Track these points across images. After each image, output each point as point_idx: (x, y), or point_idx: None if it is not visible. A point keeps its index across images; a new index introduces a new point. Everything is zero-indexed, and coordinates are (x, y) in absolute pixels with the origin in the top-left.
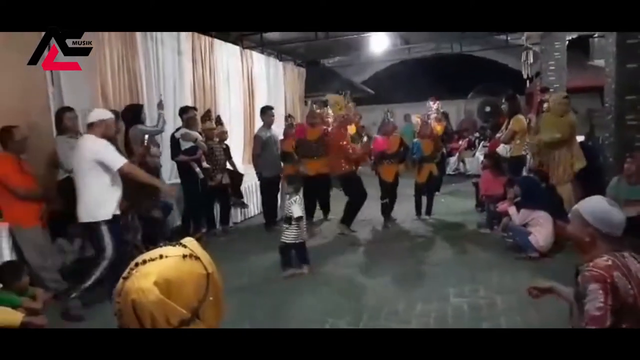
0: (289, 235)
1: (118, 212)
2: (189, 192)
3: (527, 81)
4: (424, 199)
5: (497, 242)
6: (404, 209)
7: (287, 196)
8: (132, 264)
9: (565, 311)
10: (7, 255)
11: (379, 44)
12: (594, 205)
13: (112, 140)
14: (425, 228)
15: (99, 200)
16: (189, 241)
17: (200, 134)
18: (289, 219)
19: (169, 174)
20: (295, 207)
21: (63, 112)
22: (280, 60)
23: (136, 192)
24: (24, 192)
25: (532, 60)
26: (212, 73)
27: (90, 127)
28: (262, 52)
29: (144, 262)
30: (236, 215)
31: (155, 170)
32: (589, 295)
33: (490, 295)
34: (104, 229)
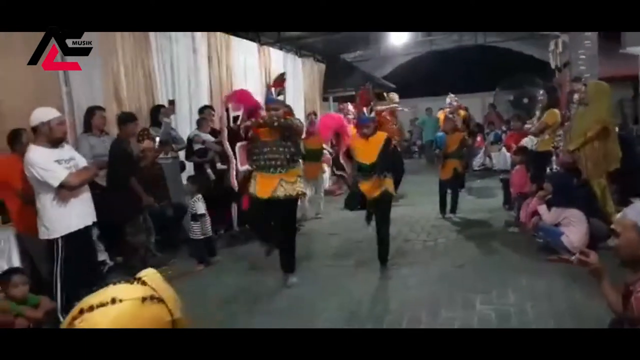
0: (195, 231)
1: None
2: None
3: (556, 71)
4: (449, 197)
5: (527, 243)
6: (428, 207)
7: (190, 195)
8: (76, 310)
9: (605, 322)
10: (17, 261)
11: (400, 36)
12: None
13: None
14: (449, 227)
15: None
16: (151, 275)
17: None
18: (194, 216)
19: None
20: (199, 204)
21: (94, 110)
22: (299, 56)
23: (149, 192)
24: (28, 197)
25: (561, 50)
26: (229, 71)
27: (34, 132)
28: (280, 49)
29: (91, 308)
30: None
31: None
32: None
33: (521, 302)
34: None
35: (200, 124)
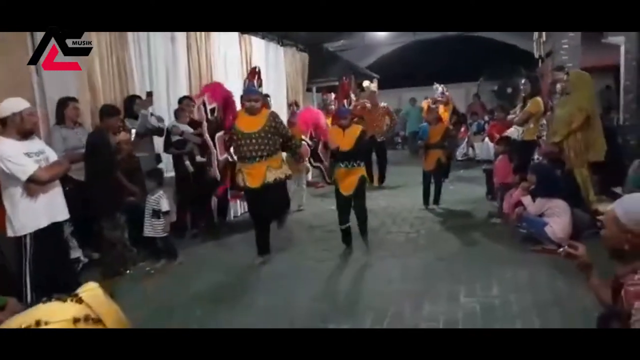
0: (158, 228)
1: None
2: (180, 186)
3: (539, 61)
4: (432, 187)
5: (510, 234)
6: (411, 198)
7: (150, 191)
8: None
9: (593, 314)
10: None
11: None
12: (631, 205)
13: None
14: (432, 218)
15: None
16: (90, 291)
17: (199, 125)
18: (157, 213)
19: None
20: (164, 201)
21: (66, 101)
22: (281, 45)
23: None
24: None
25: (545, 39)
26: (209, 60)
27: (3, 124)
28: (262, 38)
29: None
30: (236, 208)
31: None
32: (636, 315)
33: (505, 294)
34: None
35: (178, 114)
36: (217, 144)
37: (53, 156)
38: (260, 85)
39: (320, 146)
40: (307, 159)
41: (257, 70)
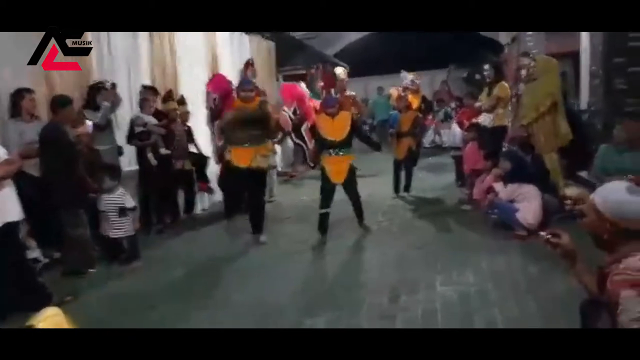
0: (126, 226)
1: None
2: (144, 180)
3: (505, 47)
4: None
5: (481, 220)
6: (382, 187)
7: (111, 189)
8: None
9: (569, 300)
10: None
11: None
12: (608, 194)
13: None
14: (404, 206)
15: None
16: (49, 319)
17: (164, 116)
18: (123, 211)
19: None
20: (128, 197)
21: (22, 92)
22: (246, 33)
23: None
24: None
25: None
26: (172, 49)
27: None
28: None
29: None
30: (203, 201)
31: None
32: (623, 305)
33: (481, 281)
34: None
35: (142, 105)
36: (216, 132)
37: (3, 155)
38: (254, 76)
39: (305, 126)
40: (288, 131)
41: (250, 62)
